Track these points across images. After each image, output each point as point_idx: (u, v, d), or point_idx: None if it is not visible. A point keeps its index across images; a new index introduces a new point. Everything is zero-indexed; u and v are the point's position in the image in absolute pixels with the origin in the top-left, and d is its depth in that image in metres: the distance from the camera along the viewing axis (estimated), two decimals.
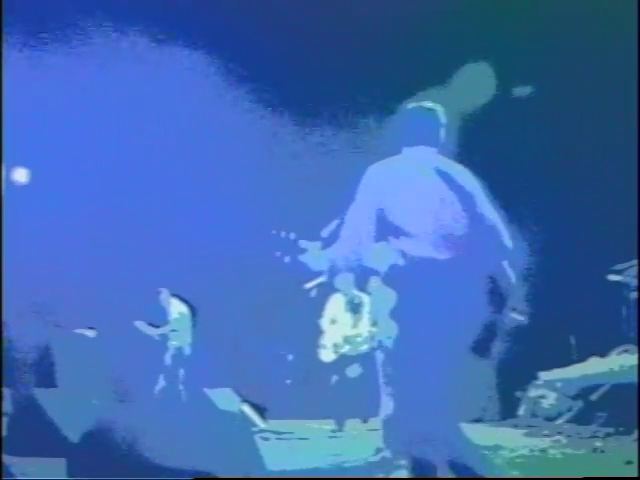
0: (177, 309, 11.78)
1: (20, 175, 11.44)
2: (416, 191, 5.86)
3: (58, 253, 11.15)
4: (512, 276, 5.95)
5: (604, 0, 10.78)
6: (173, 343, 11.56)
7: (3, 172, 10.96)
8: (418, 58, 11.02)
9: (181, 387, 11.22)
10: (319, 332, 10.85)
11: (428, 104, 6.12)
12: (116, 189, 11.42)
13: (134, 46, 11.29)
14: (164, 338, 11.60)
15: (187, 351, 11.60)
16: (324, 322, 10.80)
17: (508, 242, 6.00)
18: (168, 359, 11.52)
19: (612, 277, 10.42)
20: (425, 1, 10.95)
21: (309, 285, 7.03)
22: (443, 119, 6.11)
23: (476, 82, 11.22)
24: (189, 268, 11.53)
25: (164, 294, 11.74)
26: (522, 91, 11.81)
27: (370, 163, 6.15)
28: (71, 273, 11.26)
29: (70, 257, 11.27)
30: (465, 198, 5.90)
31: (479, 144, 11.22)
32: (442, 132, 6.07)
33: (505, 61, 11.31)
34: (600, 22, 10.75)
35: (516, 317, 7.62)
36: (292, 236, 6.44)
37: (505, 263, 5.92)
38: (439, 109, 6.13)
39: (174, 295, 11.78)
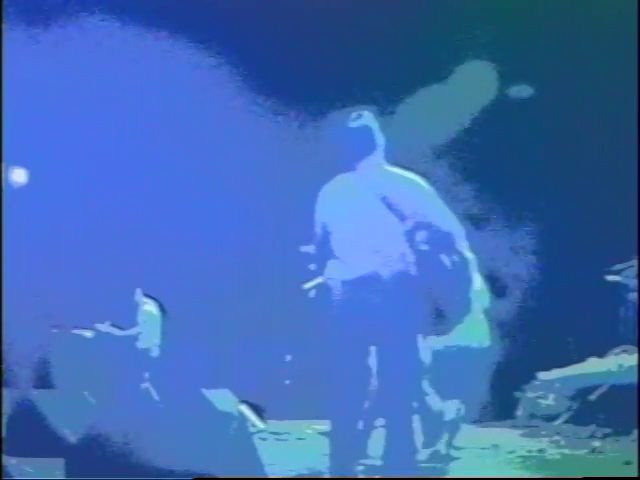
0: (146, 310, 11.64)
1: (18, 175, 11.42)
2: (355, 215, 6.22)
3: (56, 254, 11.14)
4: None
5: (604, 0, 10.78)
6: (140, 345, 11.44)
7: (3, 173, 10.95)
8: (417, 57, 11.02)
9: (177, 388, 11.18)
10: (318, 332, 10.82)
11: (354, 115, 6.28)
12: (116, 189, 11.42)
13: (133, 46, 11.28)
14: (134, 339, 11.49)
15: (155, 353, 11.51)
16: None
17: (465, 248, 6.20)
18: (156, 360, 11.47)
19: (610, 277, 10.42)
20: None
21: (307, 285, 7.07)
22: (373, 123, 6.33)
23: (475, 82, 11.23)
24: (187, 268, 11.53)
25: (138, 294, 11.59)
26: (521, 91, 11.80)
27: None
28: (69, 274, 11.25)
29: (68, 258, 11.27)
30: (410, 215, 6.18)
31: (478, 143, 11.23)
32: (377, 135, 6.34)
33: (504, 61, 11.31)
34: (600, 22, 10.75)
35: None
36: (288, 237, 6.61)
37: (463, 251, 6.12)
38: (365, 115, 6.29)
39: (148, 295, 11.65)
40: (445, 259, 6.17)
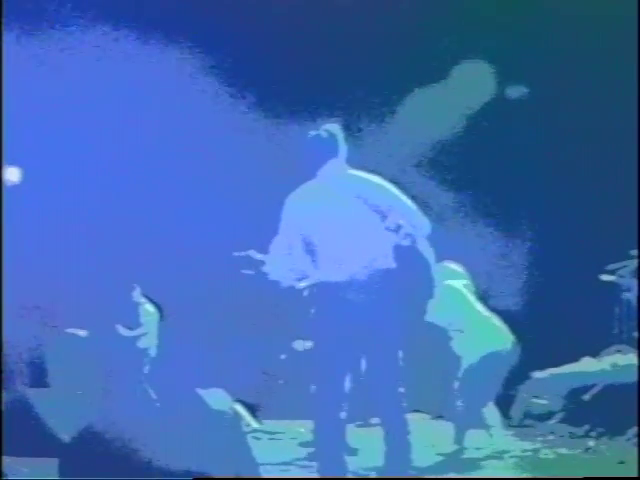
0: (146, 309, 11.64)
1: (12, 174, 11.40)
2: (331, 218, 6.42)
3: (51, 253, 11.13)
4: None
5: (604, 0, 10.78)
6: (140, 344, 11.43)
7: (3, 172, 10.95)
8: (414, 58, 11.03)
9: (171, 388, 11.18)
10: (313, 332, 10.81)
11: (325, 127, 6.65)
12: (110, 189, 11.41)
13: (128, 46, 11.29)
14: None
15: (153, 353, 11.50)
16: None
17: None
18: (151, 360, 11.46)
19: (605, 277, 10.43)
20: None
21: (302, 285, 7.10)
22: (336, 131, 6.65)
23: (472, 82, 11.23)
24: (182, 269, 11.52)
25: (136, 294, 11.57)
26: (518, 91, 11.81)
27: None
28: (64, 273, 11.24)
29: (63, 257, 11.26)
30: (379, 211, 6.43)
31: (474, 143, 11.23)
32: (340, 142, 6.63)
33: (502, 61, 11.31)
34: (599, 22, 10.75)
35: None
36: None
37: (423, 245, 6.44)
38: (329, 125, 6.64)
39: (144, 295, 11.64)
40: (421, 251, 6.42)
